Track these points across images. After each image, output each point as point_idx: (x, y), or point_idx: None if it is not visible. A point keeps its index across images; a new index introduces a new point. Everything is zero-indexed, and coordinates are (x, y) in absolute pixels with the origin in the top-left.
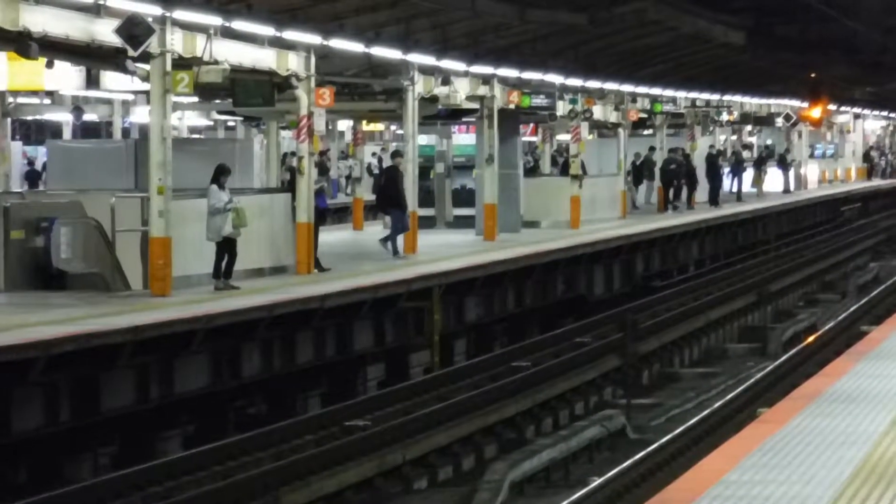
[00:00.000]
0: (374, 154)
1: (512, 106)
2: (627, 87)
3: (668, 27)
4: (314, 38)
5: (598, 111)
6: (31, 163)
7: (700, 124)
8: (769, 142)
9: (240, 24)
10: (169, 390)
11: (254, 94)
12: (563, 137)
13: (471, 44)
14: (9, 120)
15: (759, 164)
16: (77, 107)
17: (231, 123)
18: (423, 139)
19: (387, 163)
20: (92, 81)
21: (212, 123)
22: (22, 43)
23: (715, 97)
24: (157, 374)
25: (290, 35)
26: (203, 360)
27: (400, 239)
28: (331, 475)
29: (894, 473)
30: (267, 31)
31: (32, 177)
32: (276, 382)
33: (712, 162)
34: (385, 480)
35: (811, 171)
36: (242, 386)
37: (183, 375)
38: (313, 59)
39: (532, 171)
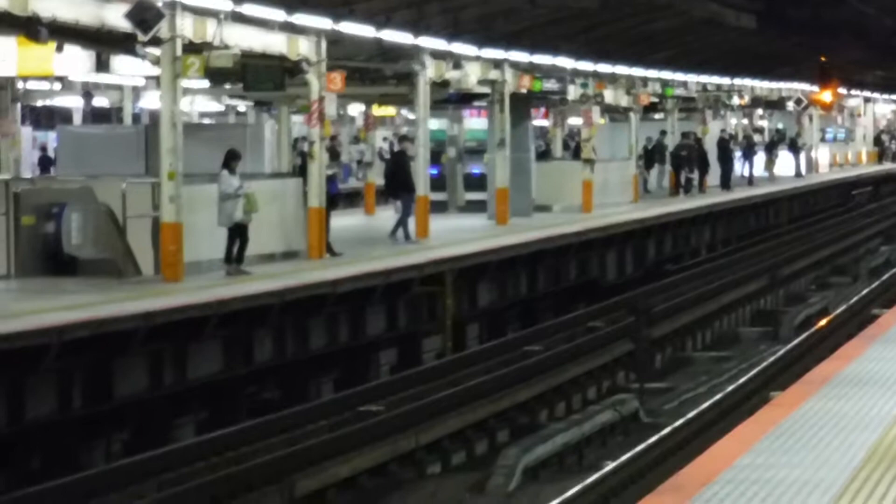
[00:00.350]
0: (385, 139)
1: (523, 90)
2: (638, 71)
3: (679, 11)
4: (325, 23)
5: (609, 95)
6: (43, 149)
7: (711, 108)
8: (780, 126)
9: (250, 9)
10: (182, 376)
11: (264, 78)
12: (575, 121)
13: (482, 28)
14: (18, 105)
15: (771, 148)
16: (87, 92)
17: (242, 108)
18: (434, 123)
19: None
20: (102, 66)
21: (222, 108)
22: (31, 28)
23: (726, 81)
24: (170, 360)
25: (301, 19)
26: (216, 345)
27: (410, 222)
28: (344, 460)
29: None
30: (277, 15)
31: (45, 163)
32: (288, 368)
33: (724, 146)
34: (398, 466)
35: (822, 154)
36: (255, 371)
37: (196, 361)
38: (324, 44)
39: (544, 155)
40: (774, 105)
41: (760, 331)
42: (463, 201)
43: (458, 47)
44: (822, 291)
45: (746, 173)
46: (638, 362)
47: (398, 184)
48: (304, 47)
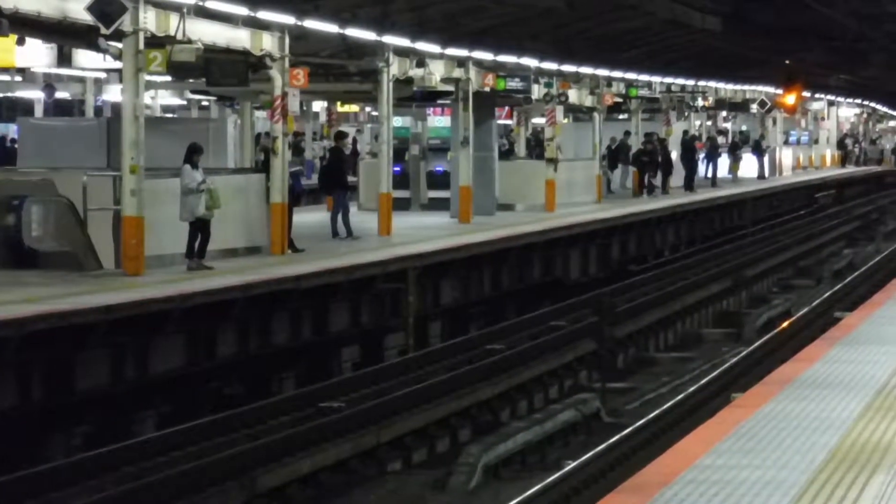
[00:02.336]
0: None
1: (487, 89)
2: (603, 72)
3: (645, 11)
4: (289, 19)
5: (573, 95)
6: (2, 140)
7: (675, 109)
8: (744, 128)
9: (214, 3)
10: (143, 370)
11: (228, 73)
12: (539, 121)
13: (447, 26)
14: None
15: (734, 150)
16: (49, 84)
17: (205, 103)
18: (397, 121)
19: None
20: (64, 59)
21: (185, 103)
22: None
23: (690, 83)
24: (132, 354)
25: (265, 15)
26: (178, 340)
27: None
28: (306, 456)
29: (867, 459)
30: (241, 10)
31: (5, 155)
32: (251, 363)
33: (689, 147)
34: (360, 462)
35: (786, 157)
36: (217, 366)
37: (158, 356)
38: (287, 40)
39: (507, 154)
40: (738, 107)
41: (723, 332)
42: (426, 199)
43: (423, 45)
44: (785, 293)
45: (709, 175)
46: (601, 362)
47: (332, 180)
48: (267, 43)
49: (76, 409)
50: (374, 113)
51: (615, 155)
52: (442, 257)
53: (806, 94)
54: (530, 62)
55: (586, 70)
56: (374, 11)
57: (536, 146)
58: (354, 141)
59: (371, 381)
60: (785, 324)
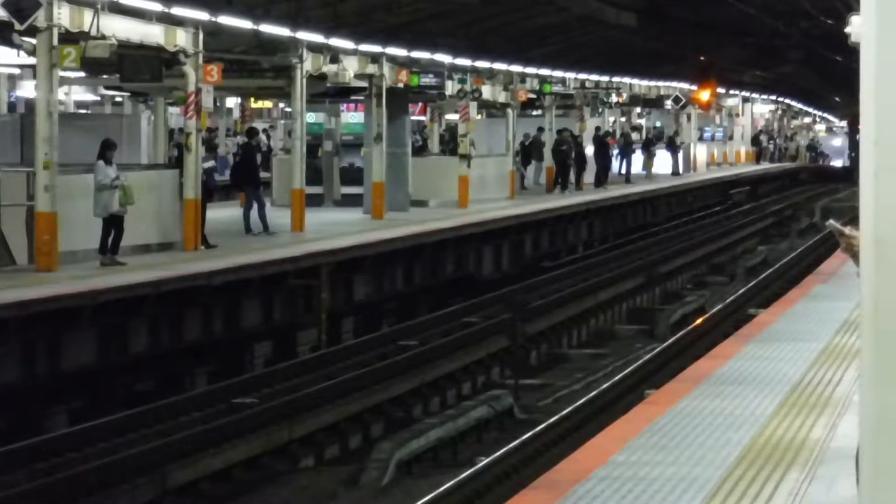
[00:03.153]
0: (263, 130)
1: (401, 85)
2: (517, 68)
3: (559, 7)
4: (202, 15)
5: (487, 91)
6: None
7: (589, 106)
8: (658, 124)
9: None
10: (56, 366)
11: (141, 69)
12: (453, 117)
13: (361, 22)
14: None
15: (648, 146)
16: None
17: (118, 99)
18: (311, 117)
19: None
20: None
21: (99, 99)
22: None
23: (605, 79)
24: (44, 350)
25: (179, 11)
26: (90, 335)
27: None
28: (218, 453)
29: (781, 455)
30: (155, 6)
31: None
32: (163, 359)
33: (602, 143)
34: (272, 458)
35: (700, 153)
36: (130, 362)
37: (70, 351)
38: (201, 36)
39: (420, 150)
40: (653, 103)
41: (636, 328)
42: (339, 195)
43: (337, 41)
44: (698, 290)
45: (624, 171)
46: (513, 358)
47: (244, 176)
48: (181, 39)
49: None
50: (288, 109)
51: (528, 151)
52: (355, 253)
53: (720, 90)
54: (444, 58)
55: (500, 66)
56: (288, 7)
57: (450, 142)
58: (268, 137)
59: (283, 378)
60: (699, 321)
